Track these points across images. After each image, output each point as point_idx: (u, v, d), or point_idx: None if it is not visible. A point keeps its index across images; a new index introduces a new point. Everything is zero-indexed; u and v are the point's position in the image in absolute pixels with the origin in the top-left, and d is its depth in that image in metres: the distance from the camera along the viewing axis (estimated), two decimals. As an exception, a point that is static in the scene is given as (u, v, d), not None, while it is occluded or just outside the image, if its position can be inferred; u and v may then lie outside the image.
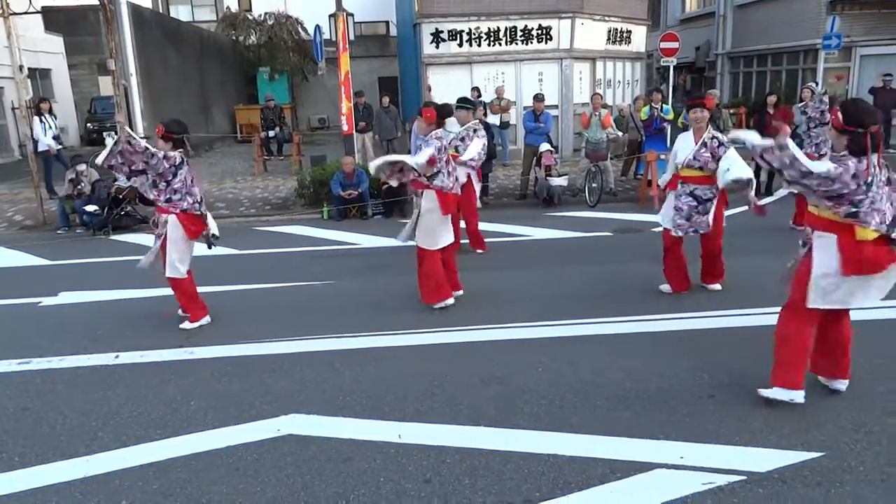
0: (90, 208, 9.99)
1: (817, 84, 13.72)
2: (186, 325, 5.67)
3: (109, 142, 6.76)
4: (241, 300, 6.57)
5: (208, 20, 25.72)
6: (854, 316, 4.06)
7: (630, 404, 4.04)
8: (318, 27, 11.92)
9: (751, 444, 3.54)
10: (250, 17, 24.67)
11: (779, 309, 4.02)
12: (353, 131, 12.19)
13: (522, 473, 3.34)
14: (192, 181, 5.54)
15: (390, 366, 4.76)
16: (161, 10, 25.04)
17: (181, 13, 25.85)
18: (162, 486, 3.36)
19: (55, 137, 12.49)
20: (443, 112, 6.30)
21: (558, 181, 11.05)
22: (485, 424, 3.85)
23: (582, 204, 11.17)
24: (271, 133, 15.21)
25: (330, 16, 11.57)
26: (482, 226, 8.42)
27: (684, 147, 5.94)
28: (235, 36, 24.43)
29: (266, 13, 24.52)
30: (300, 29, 24.13)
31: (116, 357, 5.08)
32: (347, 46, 11.61)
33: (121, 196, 10.14)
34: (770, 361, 3.94)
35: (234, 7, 25.83)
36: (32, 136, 11.24)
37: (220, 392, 4.42)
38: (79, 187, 10.17)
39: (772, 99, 11.41)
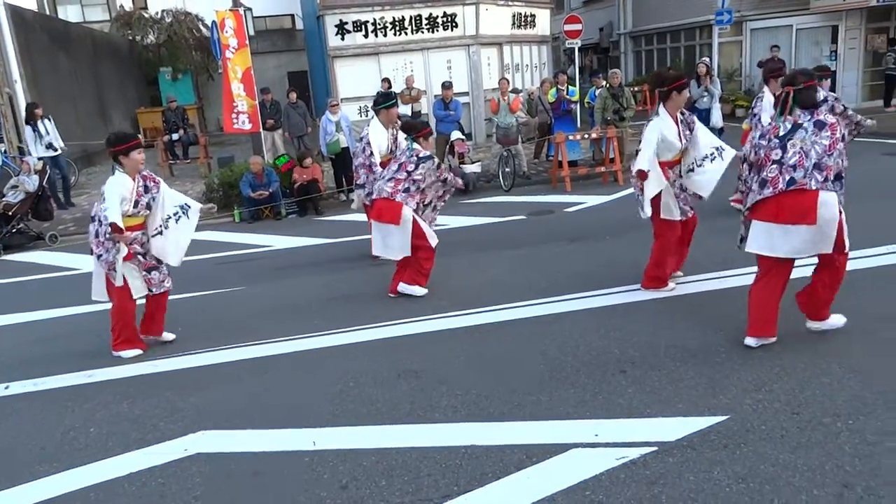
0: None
1: (710, 59, 14.28)
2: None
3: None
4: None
5: (101, 20, 24.39)
6: (747, 280, 4.22)
7: (545, 387, 4.06)
8: (214, 24, 11.48)
9: (661, 415, 3.62)
10: (146, 16, 23.56)
11: (683, 280, 4.12)
12: (261, 129, 11.85)
13: (440, 469, 3.30)
14: None
15: (304, 370, 4.64)
16: (48, 12, 23.58)
17: (70, 13, 24.37)
18: (58, 523, 3.15)
19: (49, 145, 11.56)
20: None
21: (472, 168, 11.08)
22: (402, 422, 3.80)
23: (497, 189, 11.25)
24: (175, 136, 14.60)
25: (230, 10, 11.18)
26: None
27: (670, 133, 5.30)
28: (132, 36, 23.29)
29: (163, 11, 23.46)
30: (201, 26, 23.23)
31: (6, 388, 4.75)
32: (247, 42, 11.26)
33: (10, 213, 9.50)
34: (677, 331, 4.03)
35: (128, 5, 24.60)
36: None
37: (123, 415, 4.19)
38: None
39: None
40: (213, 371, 4.77)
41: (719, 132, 11.47)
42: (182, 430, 3.91)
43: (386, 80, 14.24)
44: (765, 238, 4.23)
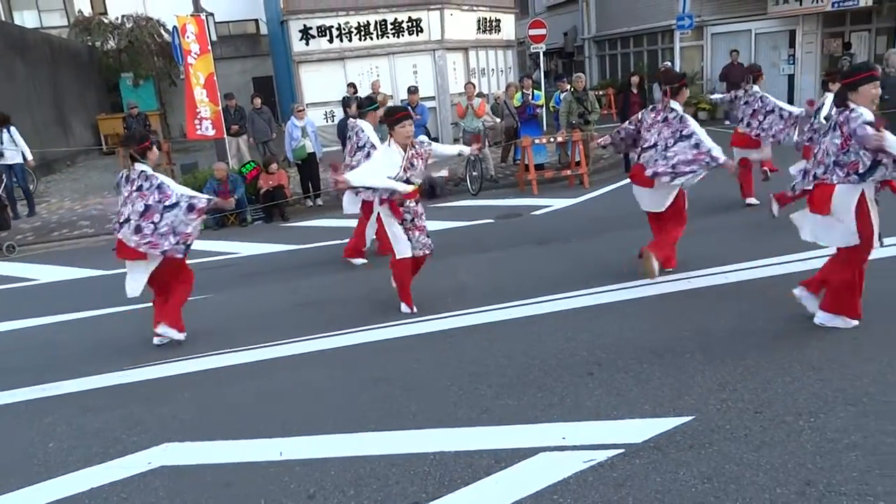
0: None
1: (671, 63, 14.52)
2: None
3: None
4: (109, 325, 6.14)
5: (59, 26, 23.86)
6: (713, 281, 4.29)
7: (514, 391, 4.07)
8: (175, 29, 11.31)
9: (628, 417, 3.65)
10: (106, 21, 23.11)
11: (647, 283, 4.17)
12: (225, 135, 11.70)
13: (408, 476, 3.28)
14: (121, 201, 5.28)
15: (271, 380, 4.58)
16: (3, 18, 22.99)
17: (27, 19, 23.81)
18: (15, 544, 3.06)
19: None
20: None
21: (439, 172, 11.08)
22: (370, 429, 3.76)
23: (464, 193, 11.27)
24: (137, 143, 14.31)
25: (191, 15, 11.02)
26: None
27: None
28: (92, 41, 22.84)
29: (123, 16, 23.05)
30: (163, 31, 22.87)
31: (-39, 404, 4.60)
32: (209, 47, 11.11)
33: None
34: (643, 333, 4.07)
35: (87, 11, 24.10)
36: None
37: (86, 429, 4.09)
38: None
39: (635, 79, 11.93)
40: (179, 381, 4.68)
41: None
42: (146, 443, 3.82)
43: (351, 86, 14.20)
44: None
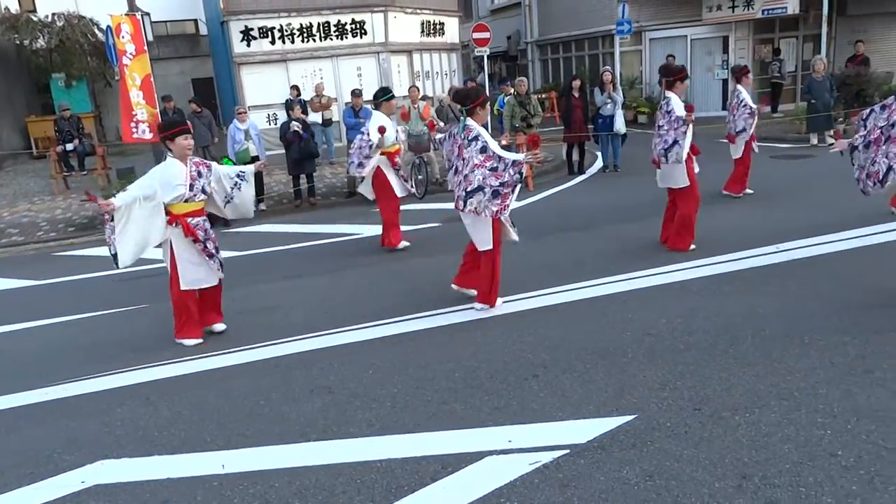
0: None
1: (613, 67, 14.83)
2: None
3: None
4: (37, 338, 5.89)
5: (-17, 24, 22.80)
6: (656, 281, 4.38)
7: (460, 395, 4.07)
8: (108, 28, 10.94)
9: (572, 418, 3.70)
10: (35, 19, 22.18)
11: (591, 284, 4.23)
12: (163, 139, 11.37)
13: (355, 485, 3.24)
14: None
15: (213, 390, 4.46)
16: (-78, 15, 21.82)
17: (-53, 17, 22.68)
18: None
19: None
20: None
21: (385, 176, 11.01)
22: (315, 439, 3.71)
23: (410, 197, 11.20)
24: (69, 146, 13.81)
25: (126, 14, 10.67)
26: (311, 227, 8.21)
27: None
28: (19, 40, 21.88)
29: (54, 14, 22.16)
30: (96, 31, 22.08)
31: None
32: (146, 48, 10.79)
33: None
34: (587, 333, 4.13)
35: (14, 8, 23.09)
36: None
37: (13, 447, 3.90)
38: None
39: (576, 83, 12.12)
40: (115, 395, 4.52)
41: (622, 138, 11.94)
42: (79, 461, 3.67)
43: (295, 88, 14.02)
44: None
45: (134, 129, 10.85)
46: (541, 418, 3.72)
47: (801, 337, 4.41)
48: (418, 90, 12.30)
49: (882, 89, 13.57)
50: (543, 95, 19.26)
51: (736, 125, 8.63)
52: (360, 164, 7.60)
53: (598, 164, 12.50)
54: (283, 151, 11.23)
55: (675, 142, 6.37)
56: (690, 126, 6.36)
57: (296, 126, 10.57)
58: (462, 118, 5.49)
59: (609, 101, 11.84)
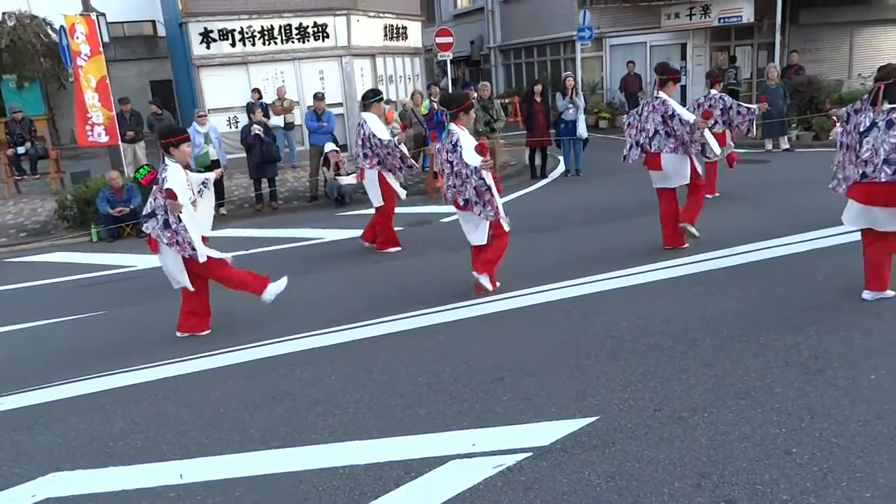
0: None
1: (574, 73, 15.01)
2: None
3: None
4: (-12, 347, 5.69)
5: (-71, 22, 22.02)
6: (616, 284, 4.43)
7: (424, 399, 4.06)
8: (62, 29, 10.67)
9: (535, 420, 3.71)
10: (-16, 19, 21.53)
11: (553, 287, 4.25)
12: (120, 142, 11.13)
13: (317, 492, 3.20)
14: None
15: (170, 399, 4.37)
16: None
17: None
18: None
19: None
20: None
21: (348, 180, 10.97)
22: (276, 446, 3.66)
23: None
24: (21, 149, 13.41)
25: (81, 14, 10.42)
26: (272, 232, 8.11)
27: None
28: (-32, 40, 21.19)
29: (5, 13, 21.52)
30: (49, 31, 21.50)
31: None
32: (101, 49, 10.55)
33: None
34: (549, 336, 4.15)
35: (-37, 7, 22.36)
36: None
37: (-40, 462, 3.76)
38: None
39: (538, 88, 12.20)
40: (69, 405, 4.39)
41: (584, 142, 12.07)
42: (30, 474, 3.56)
43: (256, 91, 13.87)
44: (861, 214, 4.84)
45: (89, 132, 10.60)
46: (504, 421, 3.73)
47: (757, 337, 4.51)
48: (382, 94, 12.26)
49: (832, 97, 13.99)
50: (506, 100, 19.35)
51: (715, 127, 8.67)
52: (410, 166, 7.80)
53: (561, 168, 12.62)
54: (245, 155, 11.09)
55: (704, 144, 6.25)
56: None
57: (257, 129, 10.44)
58: (446, 122, 5.67)
59: (571, 105, 11.96)
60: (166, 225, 5.13)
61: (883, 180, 4.53)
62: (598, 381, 4.10)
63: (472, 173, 5.36)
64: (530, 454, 3.37)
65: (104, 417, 4.17)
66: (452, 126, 5.57)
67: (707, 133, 6.30)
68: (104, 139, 10.63)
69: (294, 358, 4.87)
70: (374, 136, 7.48)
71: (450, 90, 15.69)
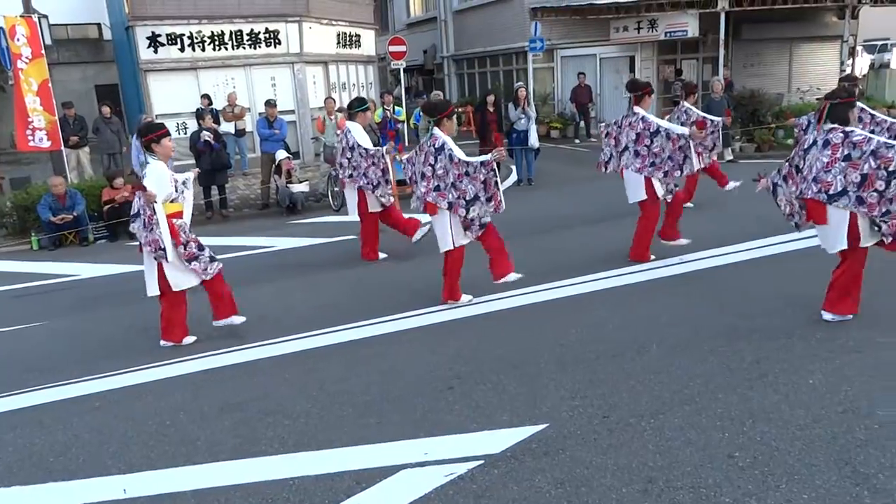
0: None
1: (525, 84, 15.21)
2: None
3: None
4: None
5: None
6: (567, 292, 4.47)
7: (376, 409, 4.04)
8: (2, 30, 10.31)
9: (487, 428, 3.74)
10: (-83, 18, 20.64)
11: (504, 296, 4.28)
12: (62, 147, 10.80)
13: (266, 505, 3.16)
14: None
15: (113, 411, 4.25)
16: None
17: None
18: None
19: None
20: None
21: (300, 188, 10.88)
22: (224, 458, 3.59)
23: (326, 209, 11.11)
24: (-44, 154, 12.88)
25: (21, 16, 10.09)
26: (223, 240, 7.97)
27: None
28: None
29: (-61, 13, 20.71)
30: (-13, 32, 20.76)
31: None
32: (43, 52, 10.24)
33: None
34: (500, 344, 4.18)
35: None
36: None
37: None
38: None
39: (490, 98, 12.33)
40: (6, 419, 4.24)
41: (536, 152, 12.23)
42: (-38, 493, 3.42)
43: (206, 97, 13.61)
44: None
45: (30, 137, 10.26)
46: (456, 430, 3.74)
47: (701, 344, 4.63)
48: (334, 101, 12.23)
49: (773, 110, 14.52)
50: (459, 109, 19.48)
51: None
52: (388, 181, 7.38)
53: (513, 178, 12.75)
54: (193, 162, 10.87)
55: (686, 157, 6.37)
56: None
57: (207, 136, 10.27)
58: (430, 128, 5.84)
59: (523, 115, 12.12)
60: (145, 225, 5.10)
61: (808, 197, 4.69)
62: (548, 388, 4.15)
63: (478, 169, 5.46)
64: (482, 462, 3.39)
65: (43, 432, 4.02)
66: (436, 131, 5.71)
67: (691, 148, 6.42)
68: (46, 144, 10.32)
69: (242, 369, 4.80)
70: (359, 145, 7.31)
71: (403, 99, 15.73)
